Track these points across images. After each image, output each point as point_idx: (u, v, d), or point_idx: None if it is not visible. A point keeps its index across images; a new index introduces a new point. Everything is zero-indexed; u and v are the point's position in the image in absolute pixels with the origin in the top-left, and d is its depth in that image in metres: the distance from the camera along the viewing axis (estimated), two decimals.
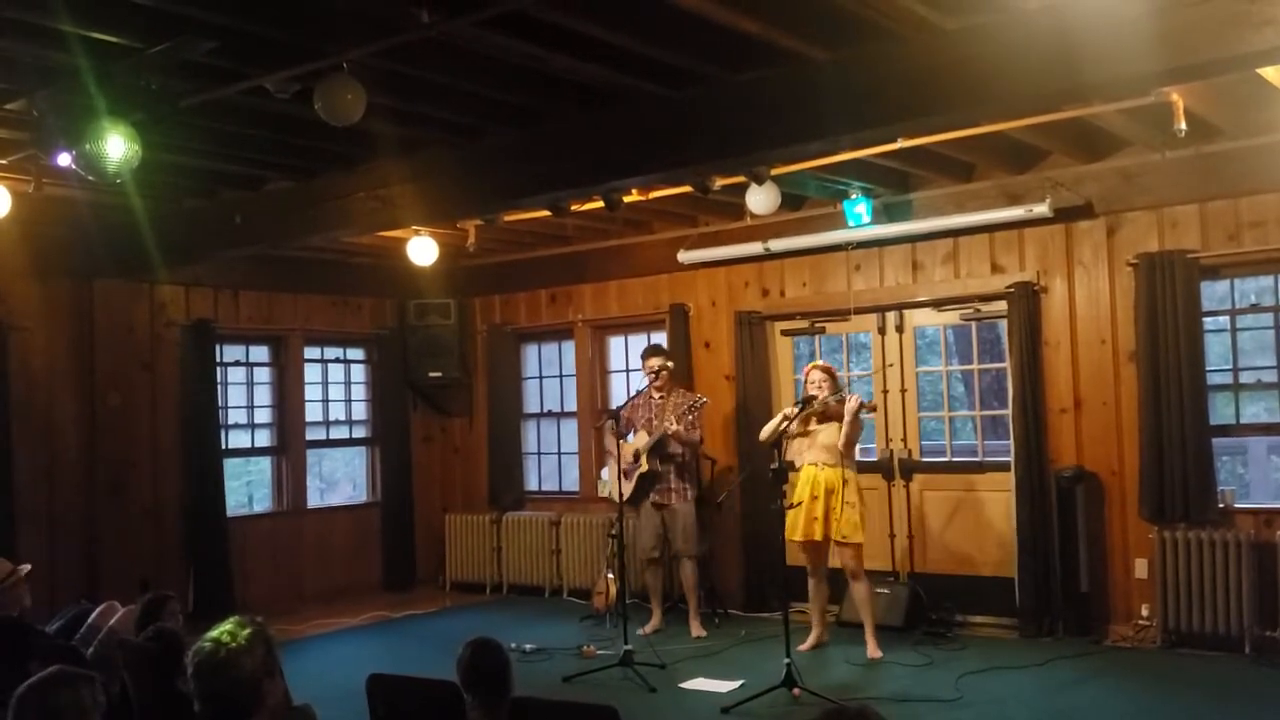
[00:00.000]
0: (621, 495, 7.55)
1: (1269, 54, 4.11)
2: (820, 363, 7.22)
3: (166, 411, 8.84)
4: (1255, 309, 7.37)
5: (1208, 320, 7.08)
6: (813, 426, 7.01)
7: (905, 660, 6.92)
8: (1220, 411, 7.25)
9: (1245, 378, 7.23)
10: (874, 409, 7.22)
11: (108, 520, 8.34)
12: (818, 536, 6.93)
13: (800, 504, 6.92)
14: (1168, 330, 6.95)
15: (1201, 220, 7.03)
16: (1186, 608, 6.85)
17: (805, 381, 7.08)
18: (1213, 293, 7.18)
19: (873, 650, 6.97)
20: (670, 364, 7.94)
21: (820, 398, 6.91)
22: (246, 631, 2.60)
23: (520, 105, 5.62)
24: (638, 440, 7.85)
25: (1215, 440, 7.02)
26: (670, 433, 7.67)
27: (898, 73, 4.65)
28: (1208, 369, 7.01)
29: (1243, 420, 7.38)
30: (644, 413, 7.90)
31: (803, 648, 7.07)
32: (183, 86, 4.90)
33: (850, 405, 6.83)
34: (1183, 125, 5.57)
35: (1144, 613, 7.15)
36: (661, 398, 7.86)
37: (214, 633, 2.61)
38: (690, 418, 7.74)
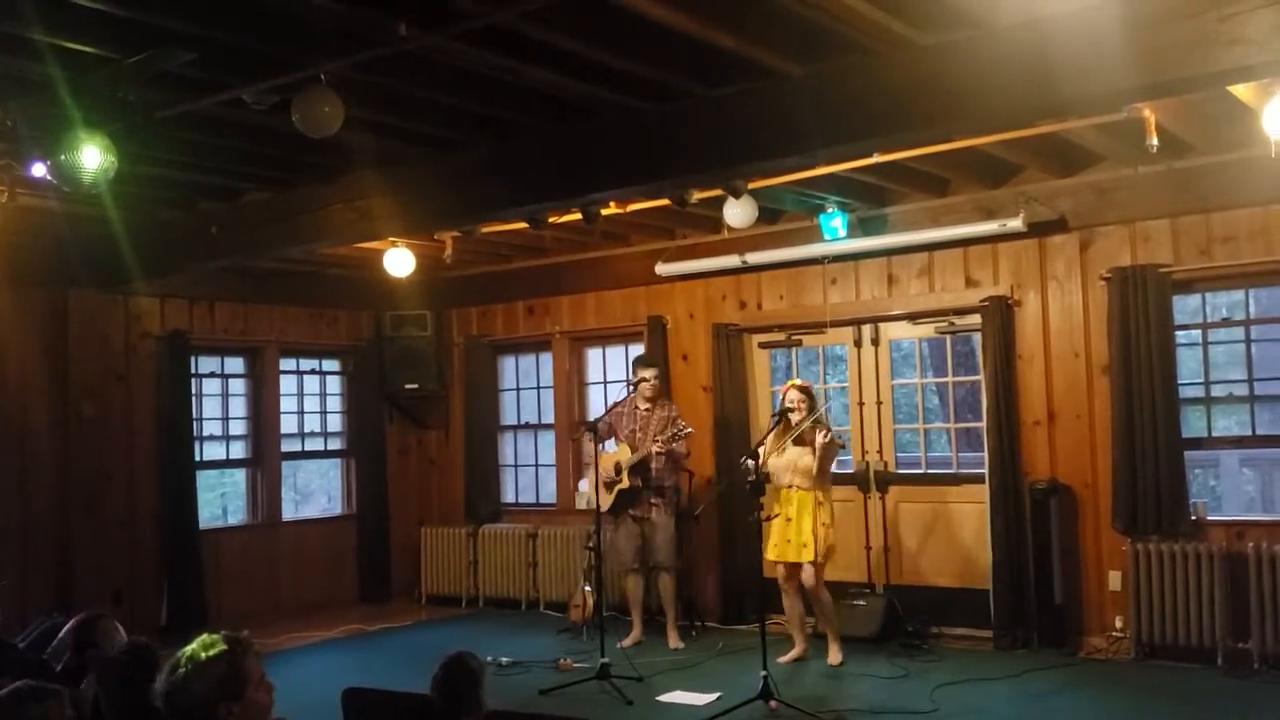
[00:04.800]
0: (598, 506, 7.52)
1: (1239, 72, 4.17)
2: (798, 381, 7.22)
3: (141, 423, 8.78)
4: (1226, 323, 7.46)
5: (1180, 334, 7.15)
6: (788, 448, 7.01)
7: (881, 672, 6.94)
8: (1192, 424, 7.32)
9: (1217, 391, 7.30)
10: (841, 447, 7.19)
11: (81, 532, 8.27)
12: (791, 559, 7.00)
13: (779, 515, 6.94)
14: (1140, 344, 7.01)
15: (1173, 235, 7.10)
16: (1159, 619, 6.90)
17: (783, 399, 7.10)
18: (1185, 307, 7.25)
19: (834, 657, 7.06)
20: (659, 378, 7.94)
21: (797, 419, 6.91)
22: (209, 653, 2.55)
23: (498, 118, 5.63)
24: (619, 452, 7.83)
25: (1187, 453, 7.08)
26: (659, 452, 7.65)
27: (874, 88, 4.69)
28: (1180, 382, 7.07)
29: (1214, 433, 7.45)
30: (628, 423, 7.87)
31: (783, 660, 7.09)
32: (159, 97, 4.89)
33: (820, 441, 6.85)
34: (1155, 141, 5.62)
35: (1118, 624, 7.20)
36: (648, 409, 7.85)
37: (184, 649, 2.59)
38: (675, 446, 7.71)
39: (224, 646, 2.59)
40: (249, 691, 2.59)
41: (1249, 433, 7.41)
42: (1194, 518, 6.97)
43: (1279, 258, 6.76)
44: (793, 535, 6.96)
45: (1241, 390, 7.26)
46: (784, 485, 7.03)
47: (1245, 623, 6.67)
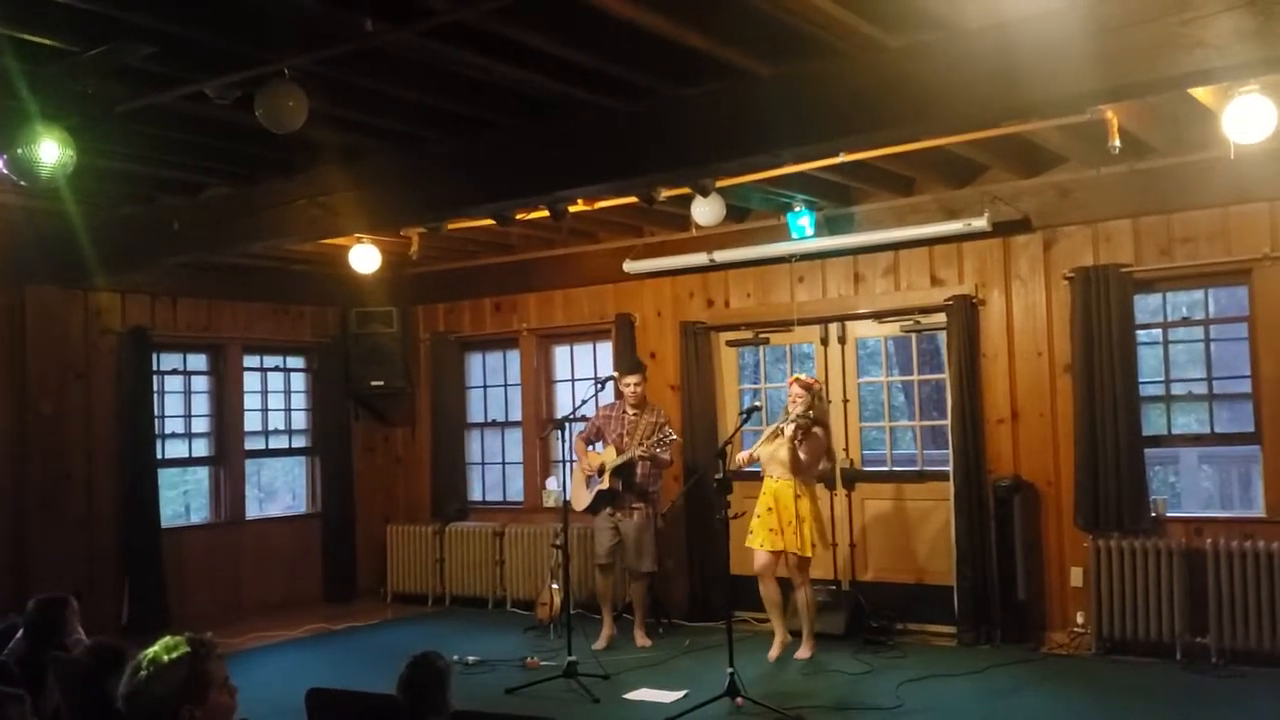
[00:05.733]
0: (568, 503, 7.48)
1: (1199, 75, 4.22)
2: (802, 377, 7.25)
3: (101, 421, 8.67)
4: (1186, 322, 7.55)
5: (1141, 333, 7.23)
6: (776, 440, 7.11)
7: (846, 668, 6.98)
8: (1153, 422, 7.41)
9: (1177, 389, 7.39)
10: (814, 444, 7.22)
11: (39, 532, 8.15)
12: (775, 548, 7.05)
13: (742, 515, 7.00)
14: (1102, 343, 7.09)
15: (1135, 235, 7.19)
16: (1120, 615, 6.98)
17: (788, 392, 7.22)
18: (1145, 306, 7.33)
19: (805, 651, 7.13)
20: (644, 383, 7.91)
21: (796, 412, 6.99)
22: (171, 655, 2.53)
23: (465, 114, 5.60)
24: (606, 454, 7.81)
25: (1148, 450, 7.17)
26: (641, 457, 7.64)
27: (842, 89, 4.71)
28: (1141, 381, 7.15)
29: (1174, 431, 7.54)
30: (616, 426, 7.83)
31: (772, 655, 7.14)
32: (120, 91, 4.83)
33: (787, 432, 6.97)
34: (1117, 143, 5.68)
35: (1079, 620, 7.28)
36: (636, 414, 7.84)
37: (146, 652, 2.56)
38: (658, 452, 7.71)
39: (186, 649, 2.57)
40: (212, 694, 2.58)
41: (1208, 430, 7.50)
42: (1154, 514, 7.06)
43: (1238, 258, 6.86)
44: (775, 524, 7.02)
45: (1201, 389, 7.35)
46: (769, 475, 7.15)
47: (1203, 618, 6.76)
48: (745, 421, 6.94)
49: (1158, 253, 7.12)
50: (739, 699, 6.05)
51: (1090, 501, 7.13)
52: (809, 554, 7.02)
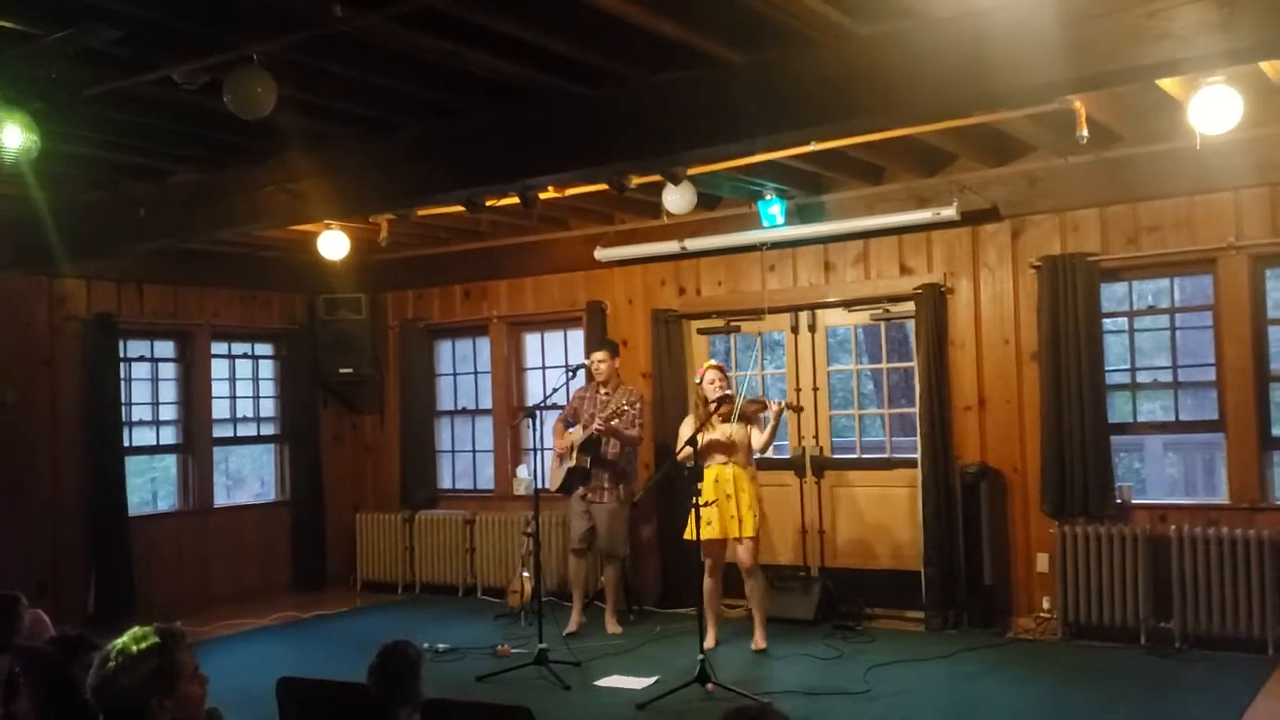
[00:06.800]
0: (539, 491, 7.46)
1: (1165, 66, 4.27)
2: (714, 362, 7.27)
3: (66, 409, 8.58)
4: (1152, 310, 7.63)
5: (1107, 321, 7.30)
6: (717, 426, 7.01)
7: (816, 653, 7.03)
8: (1118, 409, 7.49)
9: (1142, 377, 7.48)
10: (800, 409, 7.26)
11: (3, 521, 8.07)
12: (734, 534, 6.99)
13: (715, 502, 6.95)
14: (1069, 331, 7.15)
15: (1102, 224, 7.25)
16: (1085, 600, 7.07)
17: (703, 382, 7.08)
18: (1112, 294, 7.40)
19: (759, 642, 7.10)
20: (609, 360, 7.90)
21: (715, 396, 6.92)
22: (140, 646, 2.51)
23: (436, 101, 5.56)
24: (575, 433, 7.82)
25: (1113, 438, 7.25)
26: (599, 430, 7.64)
27: (813, 77, 4.72)
28: (1107, 369, 7.23)
29: (1140, 418, 7.64)
30: (589, 407, 7.86)
31: (708, 644, 7.08)
32: (85, 76, 4.76)
33: (773, 410, 6.91)
34: (1085, 132, 5.74)
35: (1045, 605, 7.36)
36: (607, 394, 7.85)
37: (114, 643, 2.55)
38: (631, 413, 7.70)
39: (155, 639, 2.55)
40: (181, 685, 2.56)
41: (1173, 418, 7.61)
42: (1119, 501, 7.14)
43: (1202, 247, 6.93)
44: (732, 511, 6.95)
45: (1166, 376, 7.44)
46: (716, 463, 7.01)
47: (1167, 603, 6.86)
48: (716, 409, 6.95)
49: (1124, 241, 7.18)
50: (709, 685, 6.08)
51: (1056, 488, 7.20)
52: (756, 534, 7.02)
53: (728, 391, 6.97)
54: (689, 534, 6.77)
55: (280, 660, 7.20)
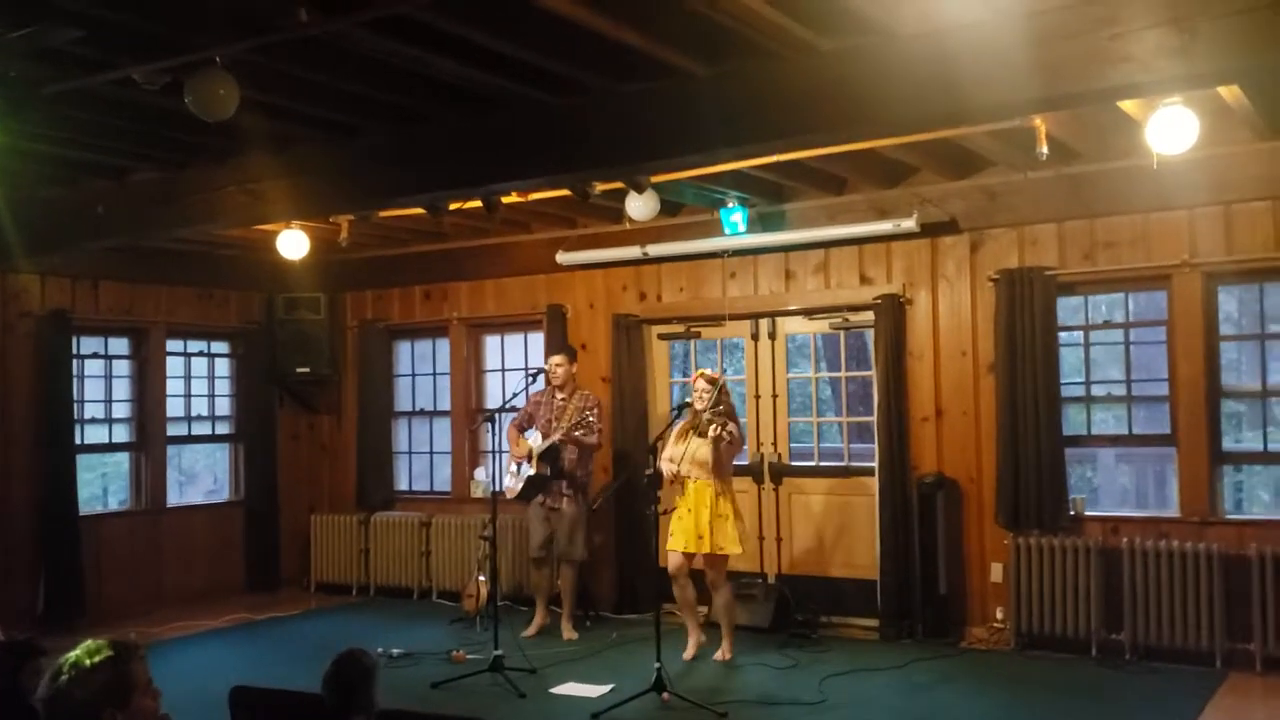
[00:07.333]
0: (497, 494, 7.43)
1: (1126, 89, 4.34)
2: (707, 371, 7.16)
3: (17, 405, 8.45)
4: (1107, 325, 7.73)
5: (1063, 335, 7.39)
6: (691, 439, 6.99)
7: (771, 662, 7.06)
8: (1073, 421, 7.59)
9: (1097, 390, 7.58)
10: (730, 441, 7.05)
11: None
12: (694, 550, 6.94)
13: (679, 507, 6.97)
14: (1025, 343, 7.23)
15: (1060, 239, 7.34)
16: (1038, 611, 7.15)
17: (693, 388, 7.10)
18: (1068, 308, 7.49)
19: (724, 653, 7.08)
20: (567, 364, 7.89)
21: (699, 409, 6.90)
22: (94, 659, 2.49)
23: (399, 105, 5.53)
24: (533, 440, 7.80)
25: (1068, 450, 7.34)
26: (562, 440, 7.62)
27: (776, 91, 4.73)
28: (1062, 381, 7.31)
29: (1094, 430, 7.74)
30: (545, 412, 7.84)
31: (687, 656, 7.08)
32: (45, 74, 4.69)
33: (711, 434, 6.77)
34: (1045, 149, 5.81)
35: (999, 616, 7.44)
36: (564, 399, 7.83)
37: (67, 655, 2.52)
38: (589, 419, 7.68)
39: (109, 652, 2.53)
40: (135, 698, 2.54)
41: (1126, 431, 7.71)
42: (1072, 513, 7.23)
43: (1157, 264, 7.04)
44: (691, 526, 6.94)
45: (1120, 390, 7.55)
46: (686, 476, 6.98)
47: (1118, 614, 6.96)
48: (677, 418, 6.95)
49: (1081, 256, 7.28)
50: (665, 694, 6.09)
51: (1011, 499, 7.28)
52: (738, 550, 6.96)
53: (695, 402, 6.95)
54: (673, 545, 6.94)
55: (233, 664, 7.14)
